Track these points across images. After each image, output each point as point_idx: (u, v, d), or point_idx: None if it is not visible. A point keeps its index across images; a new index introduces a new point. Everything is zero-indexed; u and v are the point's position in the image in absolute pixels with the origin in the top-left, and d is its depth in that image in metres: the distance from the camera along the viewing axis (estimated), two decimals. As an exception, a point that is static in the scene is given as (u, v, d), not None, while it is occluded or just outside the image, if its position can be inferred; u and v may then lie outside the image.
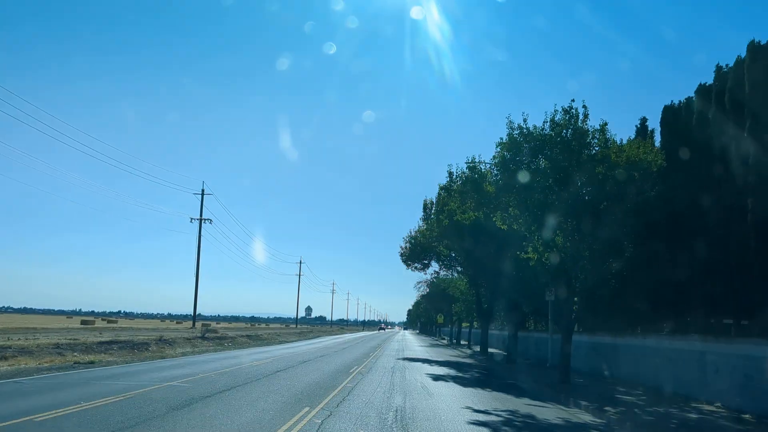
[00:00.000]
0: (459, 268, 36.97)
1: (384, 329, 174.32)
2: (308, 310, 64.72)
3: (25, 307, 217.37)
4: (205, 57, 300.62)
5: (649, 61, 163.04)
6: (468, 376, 21.75)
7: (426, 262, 37.73)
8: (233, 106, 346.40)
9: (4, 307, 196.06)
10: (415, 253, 37.34)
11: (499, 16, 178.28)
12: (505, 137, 17.10)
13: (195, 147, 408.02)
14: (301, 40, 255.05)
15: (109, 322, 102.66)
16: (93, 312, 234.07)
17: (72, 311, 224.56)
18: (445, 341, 68.38)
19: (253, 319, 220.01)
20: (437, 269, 38.26)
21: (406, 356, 32.39)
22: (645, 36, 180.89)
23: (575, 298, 18.01)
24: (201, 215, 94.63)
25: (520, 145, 16.97)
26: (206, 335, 41.01)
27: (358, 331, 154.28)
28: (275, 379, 16.95)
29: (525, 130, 16.88)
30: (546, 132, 16.70)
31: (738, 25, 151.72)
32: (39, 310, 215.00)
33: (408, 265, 38.34)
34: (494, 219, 19.61)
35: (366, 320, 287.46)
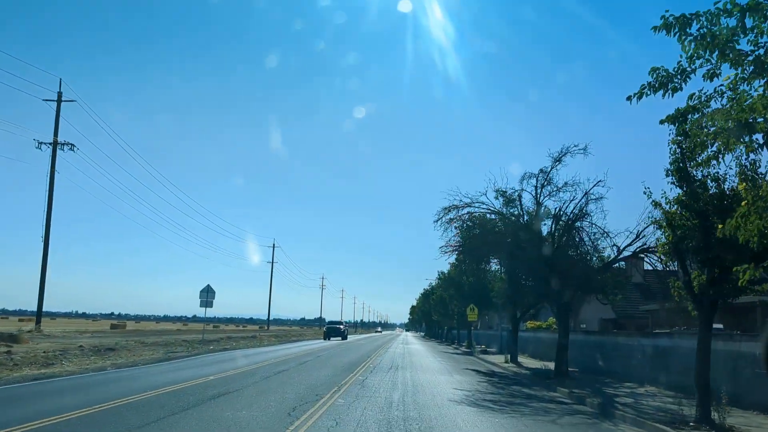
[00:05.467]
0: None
1: (342, 329, 66.80)
2: (206, 293, 27.83)
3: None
4: (194, 55, 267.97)
5: (634, 49, 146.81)
6: None
7: None
8: (223, 104, 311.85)
9: None
10: None
11: (488, 7, 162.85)
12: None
13: (187, 145, 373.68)
14: (288, 37, 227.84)
15: (20, 320, 75.49)
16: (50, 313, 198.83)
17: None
18: (495, 358, 30.97)
19: (252, 321, 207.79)
20: None
21: None
22: (631, 24, 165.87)
23: None
24: (55, 135, 58.16)
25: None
26: None
27: (350, 333, 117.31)
28: None
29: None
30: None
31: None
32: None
33: None
34: None
35: (365, 321, 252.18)
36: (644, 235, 19.91)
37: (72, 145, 52.40)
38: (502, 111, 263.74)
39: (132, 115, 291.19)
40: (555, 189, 20.26)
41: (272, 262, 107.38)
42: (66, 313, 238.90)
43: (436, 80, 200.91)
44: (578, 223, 20.18)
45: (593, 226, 19.95)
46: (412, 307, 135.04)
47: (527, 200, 21.44)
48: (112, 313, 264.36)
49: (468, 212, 21.82)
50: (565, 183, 20.08)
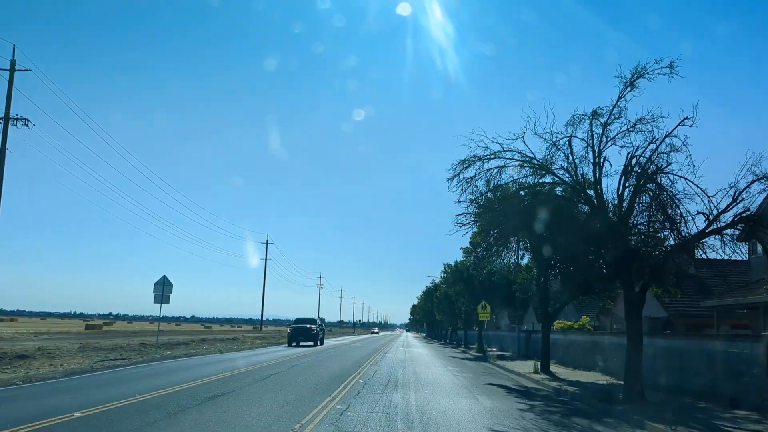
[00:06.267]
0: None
1: (314, 331, 43.90)
2: (162, 287, 21.32)
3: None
4: (193, 56, 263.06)
5: (635, 50, 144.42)
6: None
7: None
8: (222, 106, 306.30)
9: None
10: None
11: (487, 9, 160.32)
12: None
13: (184, 146, 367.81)
14: (288, 40, 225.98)
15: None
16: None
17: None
18: (517, 366, 24.60)
19: (250, 321, 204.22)
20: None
21: None
22: (630, 25, 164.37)
23: None
24: (7, 108, 50.47)
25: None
26: None
27: (348, 334, 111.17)
28: None
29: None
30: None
31: (720, 13, 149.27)
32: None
33: None
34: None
35: (364, 321, 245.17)
36: (743, 198, 13.80)
37: (26, 120, 46.09)
38: (502, 111, 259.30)
39: (132, 114, 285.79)
40: (627, 128, 13.91)
41: (266, 259, 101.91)
42: (64, 313, 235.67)
43: (436, 81, 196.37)
44: (660, 179, 13.86)
45: (681, 181, 13.65)
46: (413, 306, 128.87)
47: (579, 150, 15.12)
48: (110, 314, 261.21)
49: (496, 167, 15.52)
50: (641, 118, 13.76)
